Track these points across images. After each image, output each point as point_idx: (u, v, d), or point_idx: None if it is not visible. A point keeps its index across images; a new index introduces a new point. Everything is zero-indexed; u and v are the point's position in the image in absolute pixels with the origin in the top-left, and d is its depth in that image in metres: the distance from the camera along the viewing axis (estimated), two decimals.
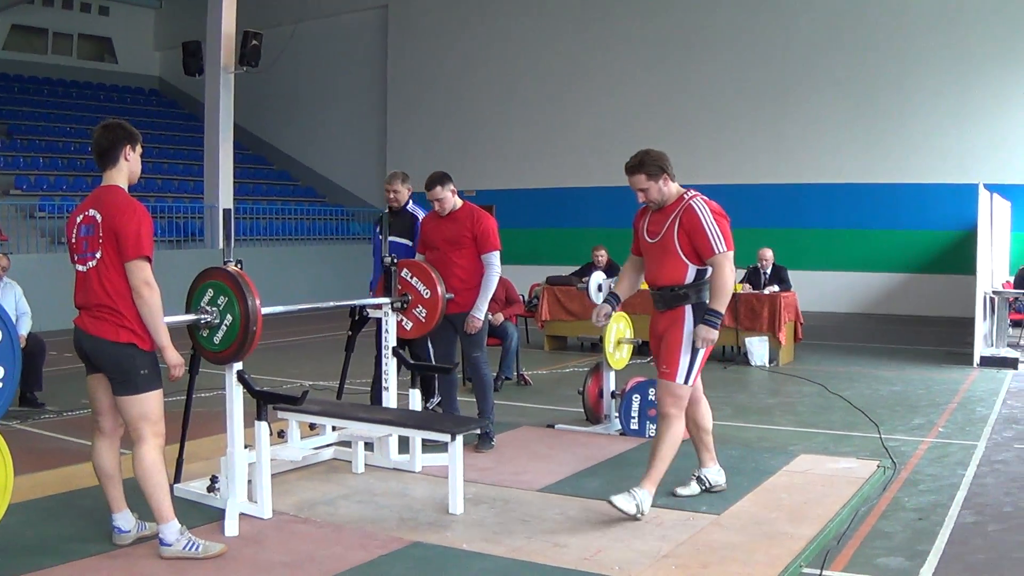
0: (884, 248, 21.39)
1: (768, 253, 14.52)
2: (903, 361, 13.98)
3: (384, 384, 7.78)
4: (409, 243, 8.62)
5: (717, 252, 6.21)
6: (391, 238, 8.45)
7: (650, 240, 6.51)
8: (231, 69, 21.71)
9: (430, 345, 8.41)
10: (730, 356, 14.07)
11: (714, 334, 6.21)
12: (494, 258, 8.18)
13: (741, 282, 14.07)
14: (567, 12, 25.48)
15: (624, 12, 24.55)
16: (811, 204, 22.13)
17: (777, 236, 20.34)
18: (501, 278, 8.72)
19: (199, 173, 23.98)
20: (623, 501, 6.00)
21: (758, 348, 13.36)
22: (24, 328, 10.14)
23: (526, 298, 16.36)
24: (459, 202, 8.29)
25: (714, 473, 6.74)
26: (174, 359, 5.33)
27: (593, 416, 9.25)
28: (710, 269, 6.30)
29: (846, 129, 21.69)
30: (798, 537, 5.72)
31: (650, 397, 8.56)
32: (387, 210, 8.83)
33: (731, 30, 23.11)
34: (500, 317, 11.85)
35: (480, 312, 8.08)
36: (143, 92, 32.97)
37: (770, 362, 13.35)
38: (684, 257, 6.32)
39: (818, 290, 20.76)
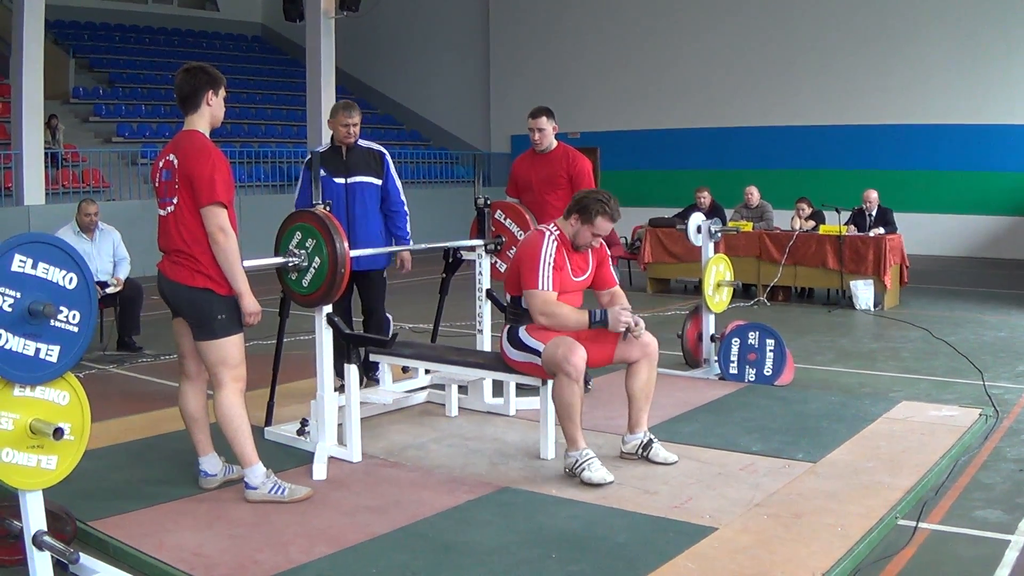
0: (992, 190, 20.77)
1: (873, 195, 14.13)
2: (1009, 306, 13.54)
3: (478, 327, 7.70)
4: (378, 182, 7.86)
5: None
6: (360, 178, 7.78)
7: None
8: (331, 14, 21.65)
9: None
10: (835, 300, 13.77)
11: None
12: None
13: (846, 224, 13.75)
14: None
15: None
16: (917, 145, 21.53)
17: (883, 178, 19.92)
18: None
19: (302, 119, 24.06)
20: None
21: (863, 292, 13.05)
22: (123, 272, 10.25)
23: (628, 240, 16.18)
24: (555, 142, 8.10)
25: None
26: (251, 306, 5.25)
27: (692, 360, 9.09)
28: None
29: (952, 68, 20.98)
30: (895, 487, 5.53)
31: (750, 341, 8.38)
32: (330, 147, 7.89)
33: None
34: None
35: None
36: (245, 39, 33.07)
37: (875, 306, 13.03)
38: None
39: (924, 233, 20.26)
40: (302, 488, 5.44)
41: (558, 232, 6.02)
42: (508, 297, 6.22)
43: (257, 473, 5.36)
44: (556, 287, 5.90)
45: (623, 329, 5.92)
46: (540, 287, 5.85)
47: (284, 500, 5.32)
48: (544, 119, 7.97)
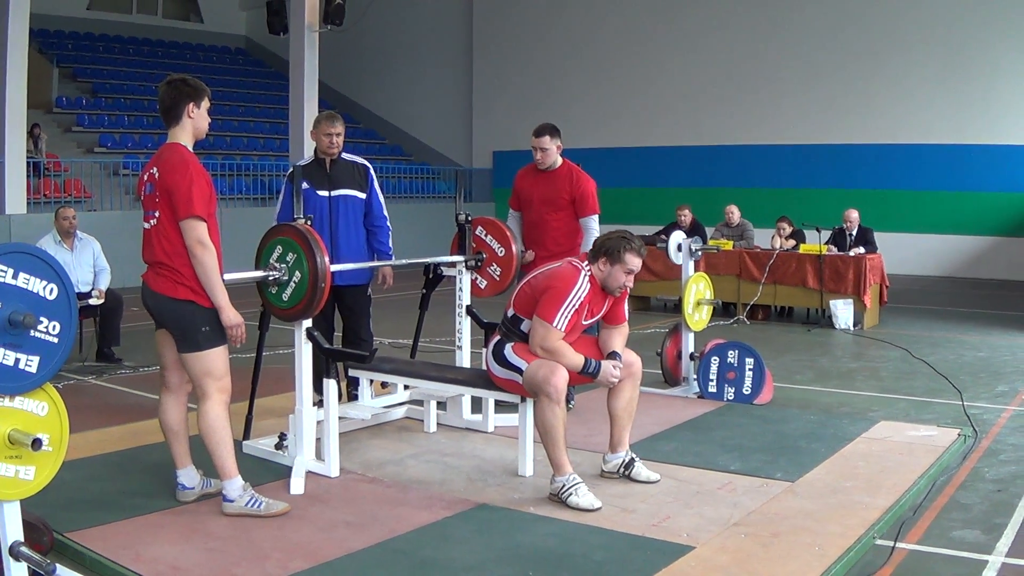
0: (973, 210, 20.91)
1: (854, 214, 14.20)
2: (989, 327, 13.60)
3: (458, 343, 7.70)
4: (362, 195, 7.76)
5: None
6: (344, 191, 7.65)
7: None
8: (315, 27, 21.63)
9: None
10: (815, 319, 13.80)
11: None
12: (593, 222, 7.90)
13: (826, 243, 13.80)
14: None
15: None
16: (898, 165, 21.66)
17: (863, 197, 19.98)
18: None
19: (285, 132, 24.04)
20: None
21: (843, 311, 13.10)
22: (103, 283, 10.22)
23: None
24: (559, 160, 8.04)
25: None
26: (231, 319, 5.21)
27: (671, 378, 9.09)
28: None
29: (935, 88, 21.15)
30: (873, 507, 5.55)
31: (729, 360, 8.40)
32: (313, 160, 7.79)
33: None
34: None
35: None
36: (229, 51, 33.04)
37: (854, 325, 13.08)
38: None
39: (904, 252, 20.34)
40: (279, 503, 5.42)
41: (590, 275, 5.92)
42: (509, 312, 6.11)
43: (235, 486, 5.35)
44: (567, 328, 5.84)
45: (610, 386, 5.97)
46: (555, 324, 5.75)
47: (261, 514, 5.30)
48: (547, 138, 7.87)
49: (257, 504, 5.34)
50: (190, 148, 5.36)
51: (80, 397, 8.65)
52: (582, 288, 5.84)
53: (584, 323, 6.01)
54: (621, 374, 5.94)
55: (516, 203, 8.25)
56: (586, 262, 5.99)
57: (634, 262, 5.90)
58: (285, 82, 24.16)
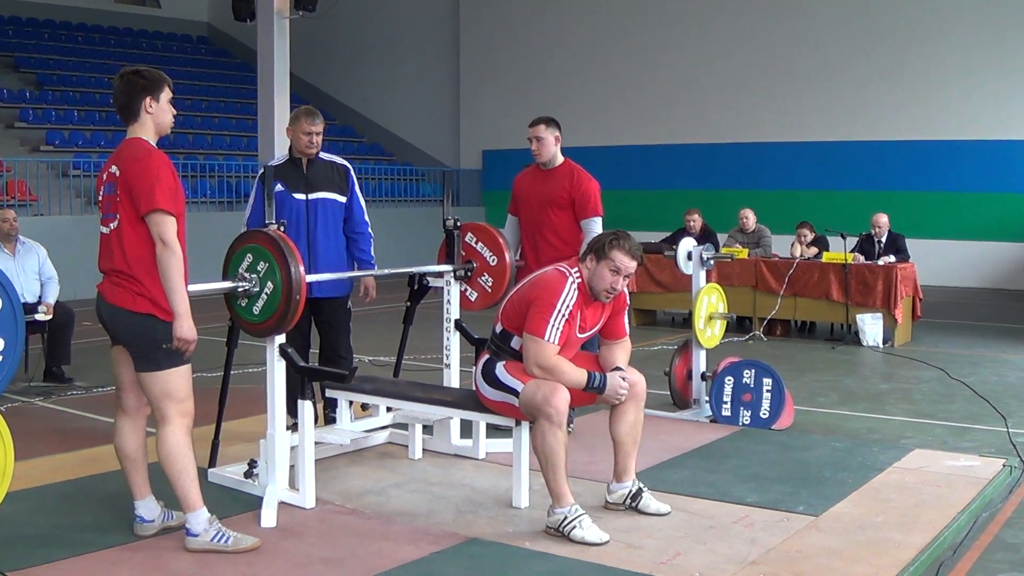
0: (1016, 214, 20.86)
1: (883, 219, 14.21)
2: None
3: (446, 361, 7.72)
4: (342, 199, 7.81)
5: None
6: (323, 194, 7.71)
7: None
8: (286, 13, 21.59)
9: None
10: (839, 335, 13.83)
11: None
12: (595, 224, 7.93)
13: (852, 251, 13.82)
14: None
15: None
16: (933, 163, 21.63)
17: (893, 199, 20.02)
18: None
19: (253, 129, 24.04)
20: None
21: (871, 326, 13.12)
22: (51, 295, 10.21)
23: None
24: (560, 157, 8.13)
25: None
26: (184, 331, 5.17)
27: (681, 400, 9.12)
28: None
29: (975, 77, 21.07)
30: (907, 546, 5.55)
31: (745, 380, 8.42)
32: (287, 159, 7.85)
33: None
34: None
35: None
36: (190, 39, 33.08)
37: (884, 342, 13.10)
38: None
39: (940, 261, 20.30)
40: (249, 537, 5.43)
41: (579, 280, 5.92)
42: (498, 327, 6.14)
43: (200, 519, 5.35)
44: (561, 341, 5.84)
45: (616, 403, 5.97)
46: (546, 338, 5.76)
47: (228, 550, 5.31)
48: (543, 127, 8.00)
49: (224, 539, 5.35)
50: (153, 144, 5.37)
51: (26, 421, 8.64)
52: (570, 294, 5.84)
53: (579, 336, 6.03)
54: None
55: (514, 207, 8.32)
56: (575, 267, 6.00)
57: (621, 259, 5.86)
58: (252, 74, 24.17)
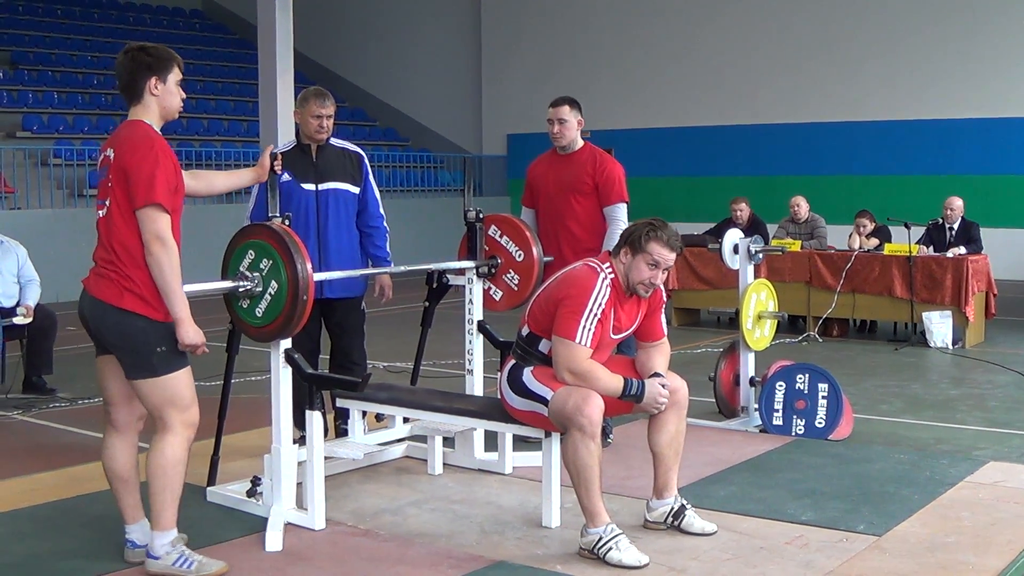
0: None
1: (957, 202, 14.09)
2: None
3: (468, 366, 7.73)
4: (355, 189, 7.85)
5: None
6: (334, 184, 7.74)
7: None
8: None
9: None
10: (903, 335, 13.81)
11: None
12: (619, 211, 7.96)
13: (918, 242, 13.74)
14: None
15: None
16: (1010, 144, 21.49)
17: (965, 184, 19.78)
18: None
19: (253, 112, 24.07)
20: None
21: (939, 325, 13.07)
22: (31, 298, 10.21)
23: None
24: (580, 141, 8.12)
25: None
26: (191, 336, 5.18)
27: (727, 408, 9.13)
28: None
29: None
30: (982, 569, 5.53)
31: (798, 386, 8.42)
32: (295, 146, 7.85)
33: None
34: None
35: None
36: (182, 13, 33.13)
37: (954, 343, 13.06)
38: None
39: (1017, 253, 20.23)
40: (216, 562, 5.37)
41: (612, 276, 5.92)
42: (524, 330, 6.15)
43: (164, 540, 5.30)
44: (593, 343, 5.83)
45: (656, 411, 5.96)
46: (578, 340, 5.76)
47: (191, 575, 5.28)
48: (567, 108, 7.97)
49: (187, 563, 5.30)
50: (157, 129, 5.37)
51: (3, 436, 8.72)
52: (602, 292, 5.84)
53: (613, 337, 6.03)
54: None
55: (530, 198, 8.33)
56: (607, 262, 6.01)
57: (660, 252, 5.86)
58: (252, 52, 24.20)
